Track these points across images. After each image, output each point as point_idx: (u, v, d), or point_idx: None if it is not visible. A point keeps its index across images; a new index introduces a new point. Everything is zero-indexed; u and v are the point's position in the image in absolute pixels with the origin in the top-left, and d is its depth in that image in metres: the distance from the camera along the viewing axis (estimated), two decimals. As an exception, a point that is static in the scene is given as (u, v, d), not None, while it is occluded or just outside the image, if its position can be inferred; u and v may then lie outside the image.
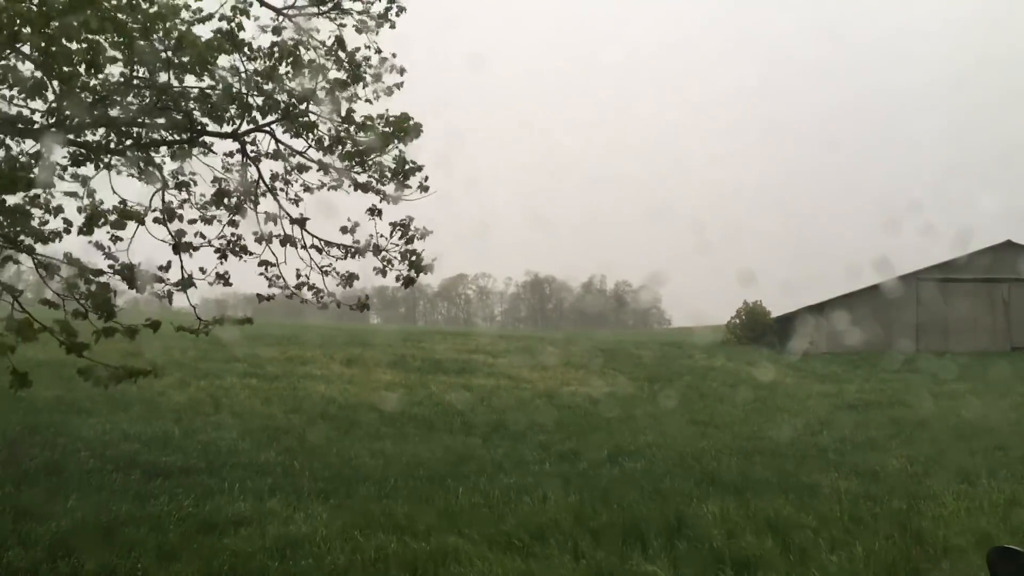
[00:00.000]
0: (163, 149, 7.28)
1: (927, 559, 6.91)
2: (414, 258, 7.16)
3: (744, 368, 25.04)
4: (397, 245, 7.22)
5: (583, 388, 20.31)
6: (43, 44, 5.31)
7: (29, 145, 6.34)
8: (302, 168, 7.70)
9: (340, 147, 7.28)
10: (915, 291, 31.17)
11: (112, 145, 7.04)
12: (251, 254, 7.67)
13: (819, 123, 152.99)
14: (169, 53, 6.22)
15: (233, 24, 7.06)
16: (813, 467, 11.16)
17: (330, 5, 7.72)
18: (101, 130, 6.87)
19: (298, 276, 7.74)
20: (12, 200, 6.05)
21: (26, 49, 5.69)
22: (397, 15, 7.88)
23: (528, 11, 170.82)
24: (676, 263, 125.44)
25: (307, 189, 7.77)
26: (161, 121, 6.74)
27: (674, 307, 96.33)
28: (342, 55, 7.38)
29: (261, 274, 7.75)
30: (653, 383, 21.81)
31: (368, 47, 7.85)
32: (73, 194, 7.02)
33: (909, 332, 30.50)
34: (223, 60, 6.86)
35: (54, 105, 6.24)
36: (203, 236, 7.42)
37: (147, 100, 6.76)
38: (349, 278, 7.71)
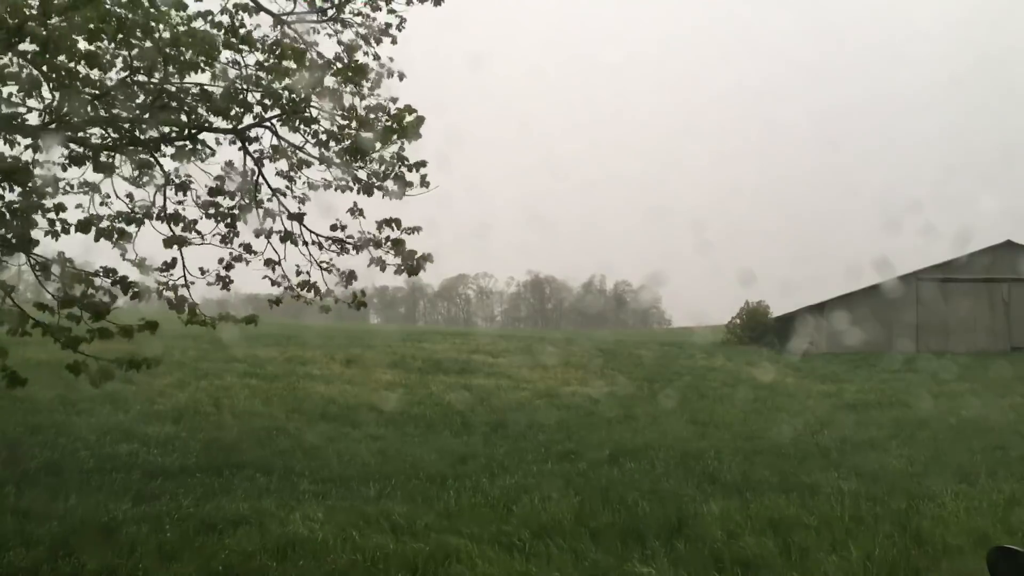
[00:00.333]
0: (164, 147, 7.28)
1: (927, 559, 6.91)
2: (407, 253, 7.13)
3: (744, 368, 25.05)
4: (387, 240, 7.20)
5: (583, 388, 20.31)
6: (43, 41, 5.31)
7: (27, 143, 6.34)
8: (303, 164, 7.70)
9: (340, 142, 7.28)
10: (915, 291, 31.17)
11: (111, 143, 7.04)
12: (255, 253, 7.68)
13: (819, 123, 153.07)
14: (169, 49, 6.22)
15: (235, 19, 7.07)
16: (813, 467, 11.16)
17: (330, 15, 7.74)
18: (100, 129, 6.86)
19: (298, 274, 7.74)
20: (11, 197, 6.04)
21: (24, 46, 5.68)
22: (399, 29, 7.92)
23: (528, 11, 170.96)
24: (676, 263, 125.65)
25: (312, 187, 7.77)
26: (161, 117, 6.73)
27: (674, 307, 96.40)
28: (341, 65, 7.39)
29: (266, 276, 7.76)
30: (653, 383, 21.81)
31: (367, 54, 7.90)
32: (77, 195, 7.04)
33: (909, 332, 30.51)
34: (224, 55, 6.86)
35: (53, 104, 6.24)
36: (199, 232, 7.42)
37: (147, 97, 6.76)
38: (348, 276, 7.71)
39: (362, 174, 7.34)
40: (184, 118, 6.85)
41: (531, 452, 12.07)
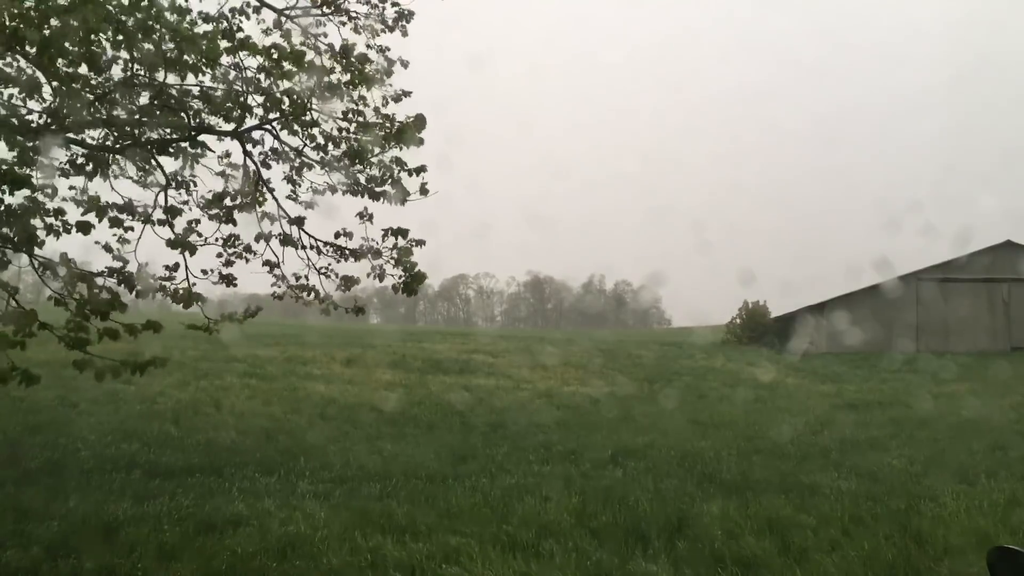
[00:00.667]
0: (166, 149, 7.26)
1: (927, 559, 6.90)
2: (408, 264, 7.11)
3: (744, 368, 25.06)
4: (390, 249, 7.17)
5: (583, 388, 20.33)
6: (42, 44, 5.31)
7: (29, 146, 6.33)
8: (304, 167, 7.68)
9: (340, 145, 7.26)
10: (915, 291, 31.17)
11: (112, 144, 7.04)
12: (254, 254, 7.67)
13: (819, 123, 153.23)
14: (169, 53, 6.22)
15: (236, 22, 7.06)
16: (813, 467, 11.16)
17: (332, 8, 7.71)
18: (100, 131, 6.86)
19: (297, 279, 7.73)
20: (12, 200, 6.05)
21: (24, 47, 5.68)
22: (407, 21, 7.86)
23: (528, 11, 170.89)
24: (676, 263, 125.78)
25: (315, 191, 7.74)
26: (161, 119, 6.73)
27: (674, 307, 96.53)
28: (347, 61, 7.35)
29: (269, 273, 7.75)
30: (653, 383, 21.82)
31: (370, 46, 7.84)
32: (75, 200, 7.03)
33: (909, 332, 30.51)
34: (225, 58, 6.85)
35: (53, 105, 6.24)
36: (200, 234, 7.41)
37: (147, 99, 6.76)
38: (347, 282, 7.68)
39: (362, 178, 7.32)
40: (185, 120, 6.85)
41: (531, 452, 12.06)
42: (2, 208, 5.89)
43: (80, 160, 6.95)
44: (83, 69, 6.12)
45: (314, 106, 6.99)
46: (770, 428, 14.64)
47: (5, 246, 6.04)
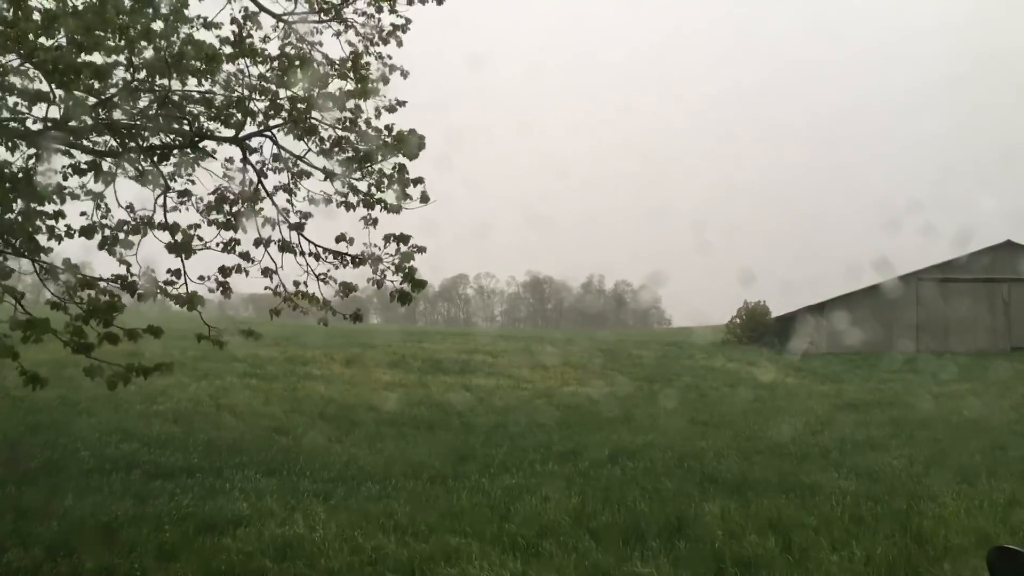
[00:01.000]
0: (166, 155, 7.26)
1: (927, 559, 6.91)
2: (408, 270, 7.08)
3: (744, 368, 25.06)
4: (392, 256, 7.15)
5: (583, 388, 20.33)
6: (51, 64, 5.34)
7: (30, 153, 6.33)
8: (303, 175, 7.65)
9: (340, 152, 7.24)
10: (915, 291, 31.16)
11: (113, 150, 7.03)
12: (252, 261, 7.64)
13: (819, 123, 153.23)
14: (171, 59, 6.21)
15: (239, 29, 7.06)
16: (814, 467, 11.16)
17: (331, 15, 7.71)
18: (104, 136, 6.86)
19: (296, 286, 7.69)
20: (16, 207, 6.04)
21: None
22: (404, 31, 7.87)
23: (528, 11, 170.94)
24: (676, 263, 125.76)
25: (312, 201, 7.69)
26: (163, 124, 6.72)
27: (674, 307, 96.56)
28: (349, 67, 7.35)
29: (267, 288, 7.72)
30: (653, 383, 21.82)
31: (369, 54, 7.85)
32: (77, 197, 7.03)
33: (909, 332, 30.51)
34: (226, 64, 6.84)
35: (57, 111, 6.24)
36: (200, 238, 7.39)
37: (150, 101, 6.75)
38: (346, 288, 7.65)
39: (362, 185, 7.29)
40: (186, 126, 6.84)
41: (531, 452, 12.07)
42: (6, 216, 5.90)
43: (84, 165, 6.94)
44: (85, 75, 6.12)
45: (314, 114, 6.98)
46: (770, 428, 14.64)
47: (6, 250, 6.04)
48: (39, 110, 6.23)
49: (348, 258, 7.37)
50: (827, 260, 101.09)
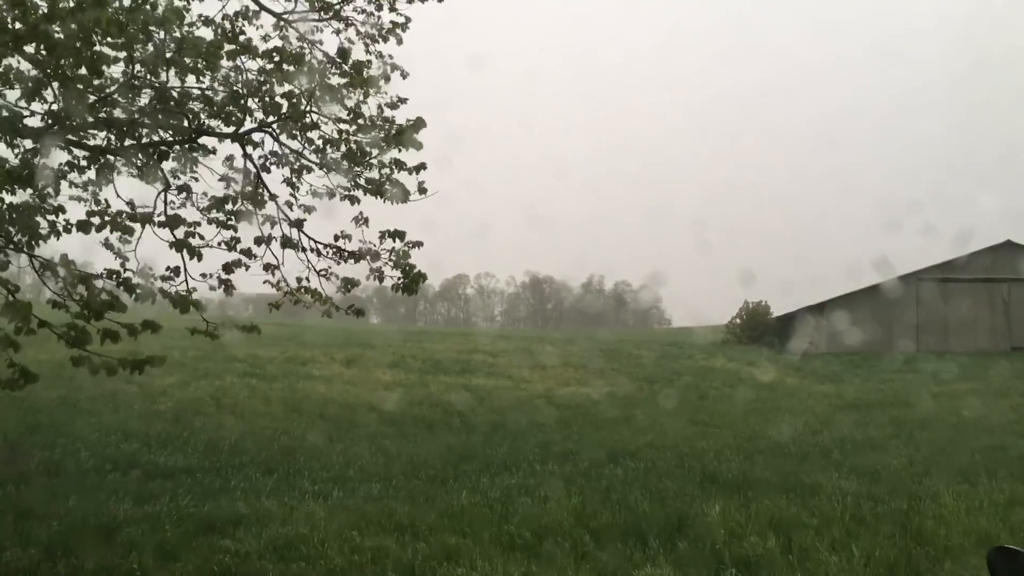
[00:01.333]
0: (166, 151, 7.25)
1: (928, 559, 6.90)
2: (406, 268, 7.11)
3: (744, 368, 25.06)
4: (388, 252, 7.17)
5: (583, 388, 20.33)
6: (52, 45, 5.31)
7: (28, 146, 6.33)
8: (304, 169, 7.67)
9: (340, 147, 7.25)
10: (915, 291, 31.15)
11: (113, 146, 7.03)
12: (254, 258, 7.66)
13: (819, 123, 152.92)
14: (171, 54, 6.21)
15: (236, 26, 7.06)
16: (814, 467, 11.15)
17: (331, 13, 7.71)
18: (103, 132, 6.85)
19: (299, 282, 7.72)
20: (11, 199, 6.04)
21: (29, 48, 5.68)
22: (403, 29, 7.86)
23: (528, 11, 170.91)
24: (676, 263, 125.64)
25: (315, 194, 7.72)
26: (161, 120, 6.71)
27: (674, 307, 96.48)
28: (345, 66, 7.35)
29: (266, 281, 7.74)
30: (653, 383, 21.82)
31: (369, 52, 7.85)
32: (77, 198, 7.03)
33: (909, 332, 30.49)
34: (225, 61, 6.84)
35: (54, 107, 6.23)
36: (201, 236, 7.39)
37: (148, 101, 6.75)
38: (348, 283, 7.68)
39: (362, 180, 7.31)
40: (185, 122, 6.84)
41: (531, 452, 12.07)
42: (4, 207, 5.88)
43: (83, 162, 6.94)
44: (82, 70, 6.11)
45: (313, 109, 6.98)
46: (770, 428, 14.63)
47: (7, 247, 6.03)
48: (37, 106, 6.24)
49: (347, 253, 7.39)
50: (827, 260, 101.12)
